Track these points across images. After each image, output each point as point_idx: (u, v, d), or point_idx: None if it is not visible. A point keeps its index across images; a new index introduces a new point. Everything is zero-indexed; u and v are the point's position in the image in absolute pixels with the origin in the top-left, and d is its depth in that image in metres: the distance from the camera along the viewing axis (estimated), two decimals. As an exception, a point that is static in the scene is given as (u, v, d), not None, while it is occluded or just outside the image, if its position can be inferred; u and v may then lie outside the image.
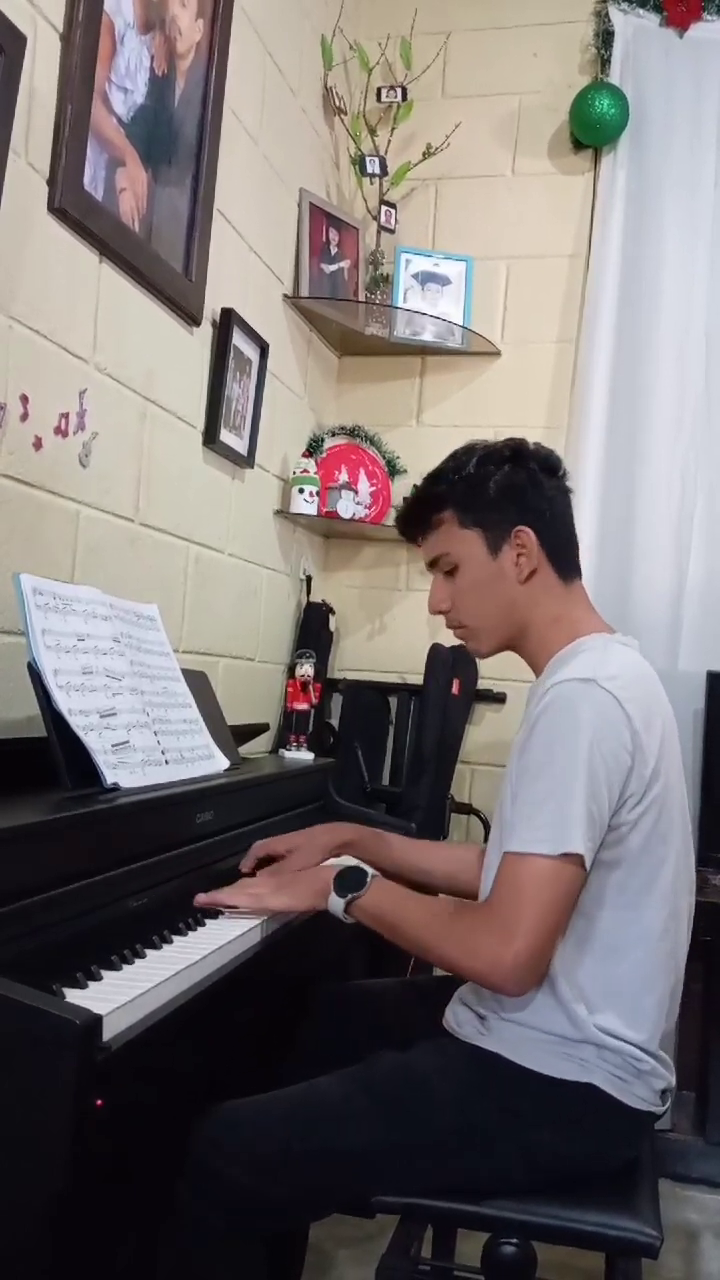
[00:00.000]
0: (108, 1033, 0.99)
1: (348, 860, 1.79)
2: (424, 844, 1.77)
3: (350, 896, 1.38)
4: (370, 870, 1.41)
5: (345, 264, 2.94)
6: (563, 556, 1.47)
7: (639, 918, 1.34)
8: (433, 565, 1.53)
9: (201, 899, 1.42)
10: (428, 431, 3.15)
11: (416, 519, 1.53)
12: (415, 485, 1.55)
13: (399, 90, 2.99)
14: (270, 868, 1.62)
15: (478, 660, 2.89)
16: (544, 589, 1.46)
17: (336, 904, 1.39)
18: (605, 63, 2.97)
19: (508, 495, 1.45)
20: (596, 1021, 1.31)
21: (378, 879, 1.40)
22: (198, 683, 1.84)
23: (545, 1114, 1.31)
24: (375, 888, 1.39)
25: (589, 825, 1.25)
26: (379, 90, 3.00)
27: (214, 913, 1.44)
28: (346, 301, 2.95)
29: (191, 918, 1.39)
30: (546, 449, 1.51)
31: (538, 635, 1.46)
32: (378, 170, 2.97)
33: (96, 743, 1.39)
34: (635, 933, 1.34)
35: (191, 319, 2.19)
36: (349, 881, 1.40)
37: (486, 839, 2.90)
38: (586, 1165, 1.34)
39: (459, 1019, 1.44)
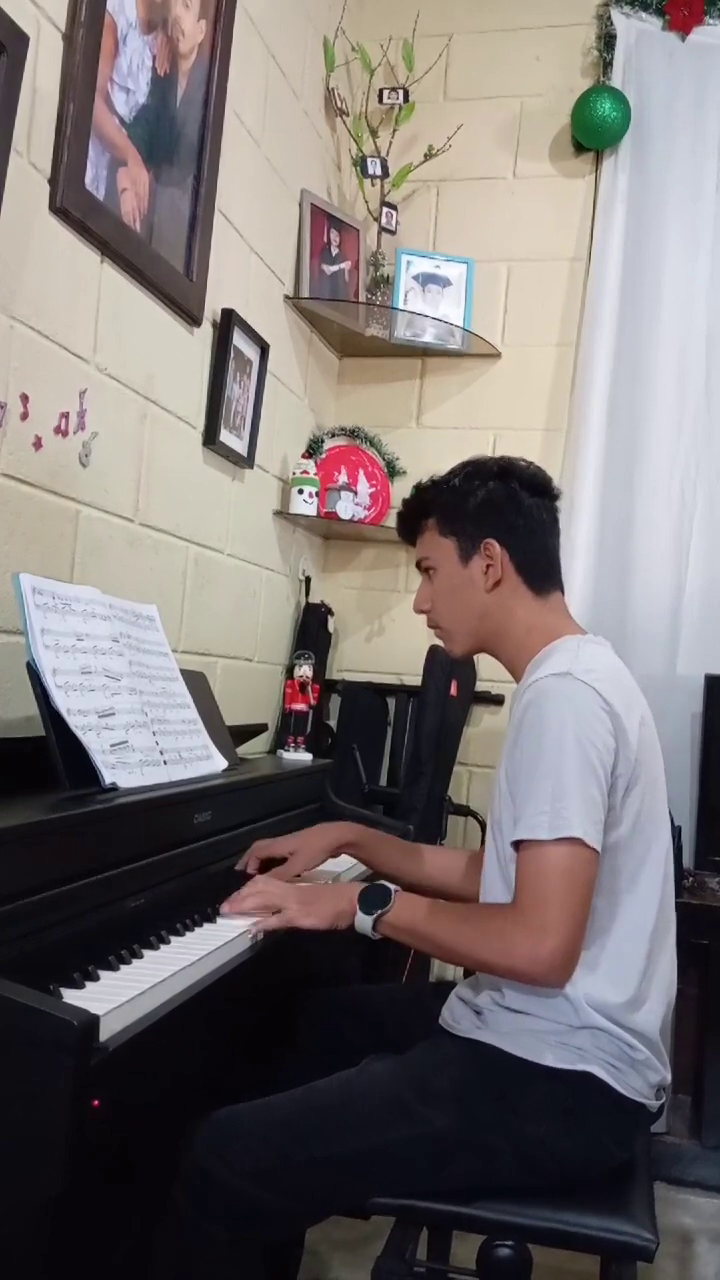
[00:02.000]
0: (105, 1033, 0.99)
1: (347, 861, 1.80)
2: (418, 848, 1.78)
3: (377, 913, 1.39)
4: (393, 886, 1.43)
5: (346, 265, 2.95)
6: (534, 570, 1.52)
7: (633, 900, 1.37)
8: (419, 566, 1.61)
9: (226, 908, 1.43)
10: (427, 433, 3.15)
11: (407, 522, 1.63)
12: (414, 486, 1.63)
13: (401, 92, 2.99)
14: (274, 870, 1.63)
15: (475, 662, 2.90)
16: (514, 599, 1.52)
17: (364, 922, 1.40)
18: (607, 66, 2.97)
19: (484, 509, 1.52)
20: (593, 1005, 1.33)
21: (399, 893, 1.42)
22: (196, 683, 1.84)
23: (541, 1105, 1.32)
24: (400, 902, 1.40)
25: (587, 807, 1.29)
26: (381, 92, 3.01)
27: (212, 914, 1.44)
28: (347, 303, 2.95)
29: (189, 918, 1.39)
30: (537, 469, 1.57)
31: (514, 642, 1.52)
32: (379, 172, 2.97)
33: (95, 743, 1.39)
34: (631, 916, 1.37)
35: (192, 319, 2.19)
36: (374, 899, 1.41)
37: (484, 843, 2.90)
38: (582, 1163, 1.34)
39: (455, 1015, 1.45)
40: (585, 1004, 1.33)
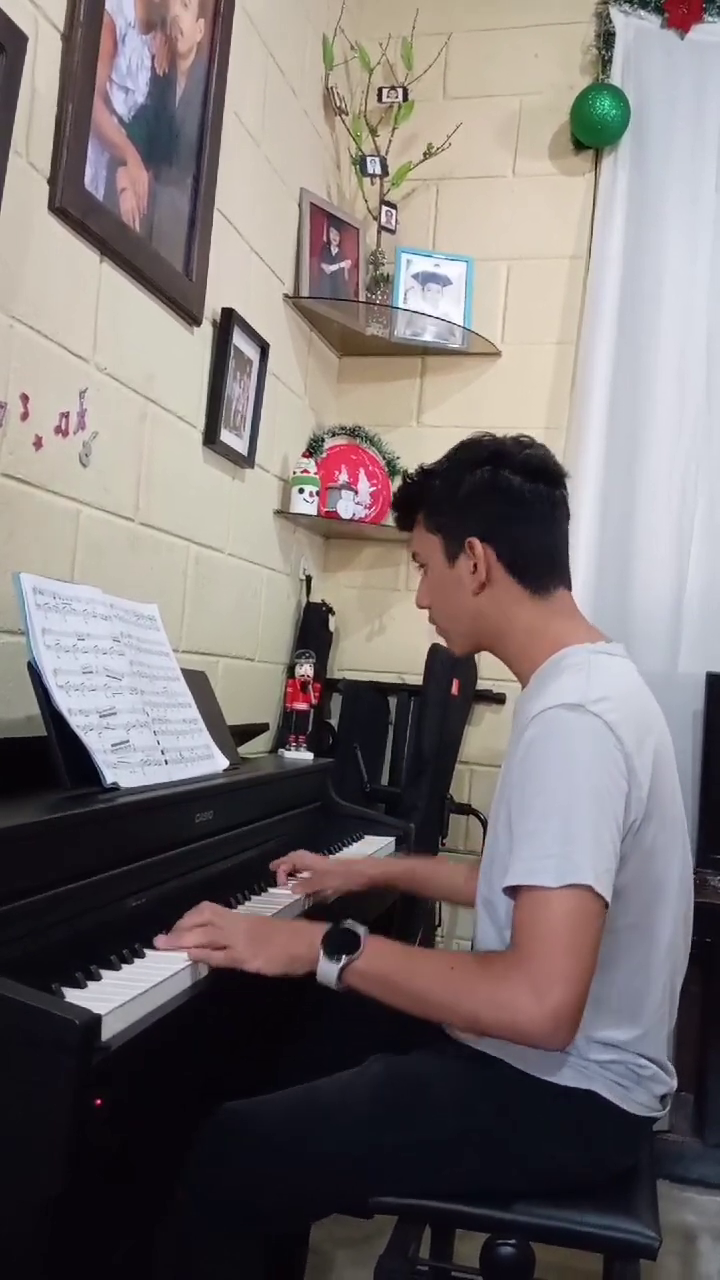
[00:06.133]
0: (107, 1033, 0.99)
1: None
2: (471, 869, 1.68)
3: (344, 960, 1.23)
4: (362, 927, 1.26)
5: (346, 264, 2.94)
6: (530, 568, 1.40)
7: (642, 940, 1.31)
8: (414, 559, 1.53)
9: (162, 942, 1.25)
10: (428, 432, 3.15)
11: (399, 513, 1.54)
12: (404, 475, 1.54)
13: (400, 91, 2.99)
14: (304, 880, 1.64)
15: (476, 661, 2.89)
16: (509, 600, 1.40)
17: (328, 971, 1.24)
18: (606, 64, 2.97)
19: (470, 502, 1.41)
20: (597, 1039, 1.29)
21: (371, 937, 1.26)
22: (197, 682, 1.84)
23: (543, 1120, 1.30)
24: (372, 947, 1.24)
25: (598, 853, 1.18)
26: (380, 90, 3.01)
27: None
28: (347, 302, 2.95)
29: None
30: (535, 451, 1.44)
31: (515, 644, 1.42)
32: (378, 170, 2.97)
33: (96, 742, 1.39)
34: (639, 955, 1.31)
35: (192, 319, 2.19)
36: (339, 942, 1.25)
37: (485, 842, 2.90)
38: (584, 1173, 1.32)
39: None
40: (586, 1045, 1.28)
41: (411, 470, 1.54)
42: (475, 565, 1.40)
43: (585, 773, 1.21)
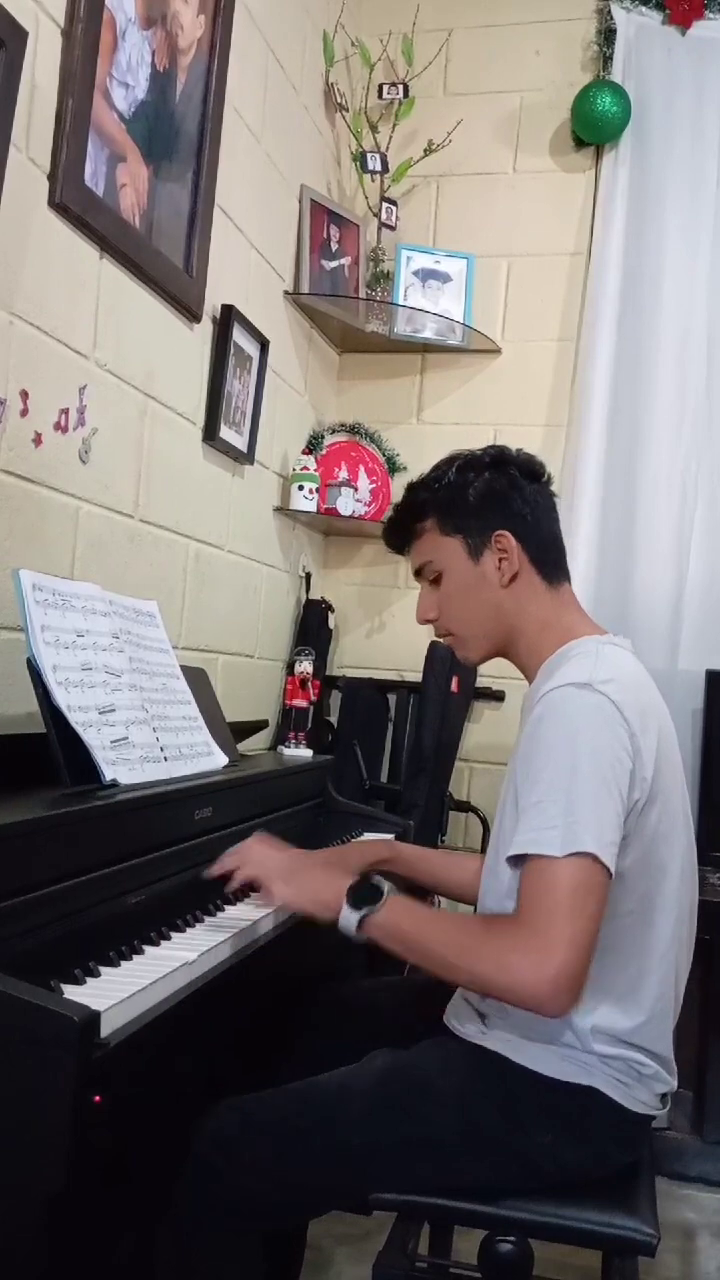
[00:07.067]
0: (105, 1029, 0.98)
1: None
2: (459, 858, 1.74)
3: (365, 911, 1.29)
4: (386, 884, 1.32)
5: (346, 261, 2.94)
6: (546, 560, 1.46)
7: (645, 929, 1.31)
8: (419, 574, 1.53)
9: (216, 870, 1.43)
10: (428, 429, 3.15)
11: (400, 528, 1.53)
12: (406, 487, 1.54)
13: (400, 87, 2.99)
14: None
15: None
16: (529, 593, 1.45)
17: (350, 919, 1.29)
18: (607, 61, 2.97)
19: (488, 501, 1.45)
20: (599, 1035, 1.29)
21: (394, 894, 1.32)
22: (197, 679, 1.84)
23: (544, 1117, 1.30)
24: (393, 903, 1.30)
25: (601, 824, 1.20)
26: (380, 87, 3.00)
27: (213, 910, 1.44)
28: (347, 298, 2.94)
29: (190, 915, 1.39)
30: (528, 455, 1.50)
31: (527, 641, 1.45)
32: (379, 167, 2.96)
33: (95, 739, 1.39)
34: (639, 942, 1.31)
35: (192, 315, 2.18)
36: (364, 895, 1.31)
37: (485, 839, 2.90)
38: (585, 1171, 1.33)
39: (460, 1017, 1.42)
40: (590, 1036, 1.29)
41: (415, 476, 1.54)
42: (502, 558, 1.44)
43: (590, 747, 1.24)
